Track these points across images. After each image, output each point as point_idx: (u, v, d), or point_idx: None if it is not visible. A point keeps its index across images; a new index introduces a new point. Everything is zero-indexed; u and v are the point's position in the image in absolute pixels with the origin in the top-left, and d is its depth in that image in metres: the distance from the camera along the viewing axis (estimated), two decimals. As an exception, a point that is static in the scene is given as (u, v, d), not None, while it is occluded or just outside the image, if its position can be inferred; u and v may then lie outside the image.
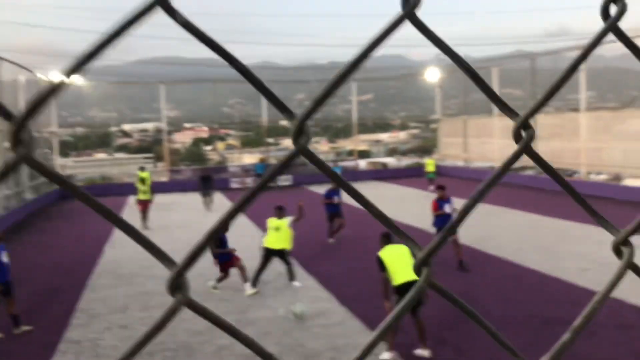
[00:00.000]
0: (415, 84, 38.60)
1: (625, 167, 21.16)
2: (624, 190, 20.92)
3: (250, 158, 42.18)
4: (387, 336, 7.43)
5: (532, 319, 8.84)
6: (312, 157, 0.56)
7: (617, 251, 0.67)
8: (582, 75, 23.40)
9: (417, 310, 7.57)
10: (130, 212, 22.60)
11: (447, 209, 11.91)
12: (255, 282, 10.85)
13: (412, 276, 7.38)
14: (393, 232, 0.62)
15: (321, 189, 28.01)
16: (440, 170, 29.14)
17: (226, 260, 10.92)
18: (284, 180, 30.66)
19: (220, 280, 10.94)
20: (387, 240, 8.08)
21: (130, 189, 29.09)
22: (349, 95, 35.51)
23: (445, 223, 11.08)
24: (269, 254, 11.12)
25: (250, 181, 30.38)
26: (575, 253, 12.74)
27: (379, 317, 8.79)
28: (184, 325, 9.09)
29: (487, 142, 29.38)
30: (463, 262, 11.60)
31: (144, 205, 19.27)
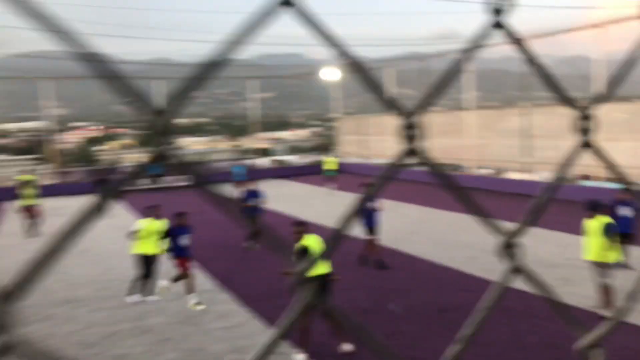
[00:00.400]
0: (316, 82, 39.08)
1: (507, 162, 22.76)
2: (505, 183, 22.51)
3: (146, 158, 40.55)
4: (300, 337, 7.36)
5: (428, 306, 9.26)
6: (173, 161, 0.52)
7: (502, 253, 0.69)
8: (469, 76, 24.83)
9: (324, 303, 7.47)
10: (13, 220, 20.97)
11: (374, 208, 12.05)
12: (144, 290, 10.29)
13: (325, 269, 7.47)
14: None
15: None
16: (341, 168, 29.59)
17: (183, 256, 9.96)
18: (182, 180, 29.79)
19: (176, 279, 10.10)
20: (304, 229, 7.86)
21: (11, 194, 26.99)
22: (249, 92, 35.25)
23: (372, 223, 10.92)
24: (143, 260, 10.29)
25: (147, 182, 29.25)
26: (463, 242, 13.52)
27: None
28: (75, 337, 8.59)
29: (384, 140, 30.40)
30: (380, 261, 11.74)
31: (31, 212, 17.92)
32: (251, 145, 38.72)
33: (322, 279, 7.48)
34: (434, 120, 26.52)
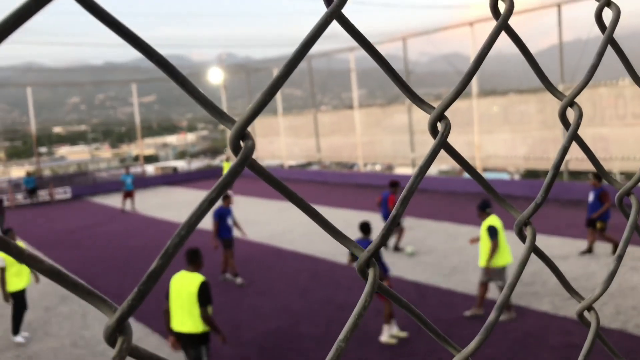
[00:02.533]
0: (199, 84, 38.22)
1: (395, 157, 23.72)
2: (395, 178, 23.43)
3: (19, 171, 37.52)
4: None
5: (328, 305, 9.36)
6: (255, 166, 0.43)
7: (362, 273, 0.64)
8: (352, 75, 25.54)
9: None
10: None
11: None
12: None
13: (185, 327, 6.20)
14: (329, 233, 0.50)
15: (105, 200, 26.20)
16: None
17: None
18: (62, 193, 27.86)
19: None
20: (195, 259, 6.33)
21: None
22: (129, 97, 33.72)
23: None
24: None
25: (21, 197, 26.95)
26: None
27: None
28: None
29: (274, 141, 30.44)
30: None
31: None
32: (136, 152, 37.08)
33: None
34: (324, 120, 27.00)
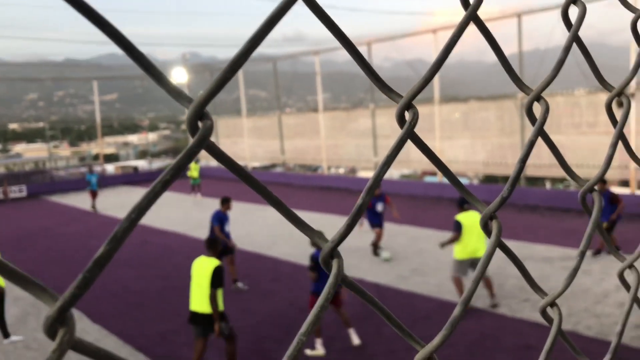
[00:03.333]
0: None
1: (359, 161, 23.86)
2: (358, 181, 23.56)
3: (-29, 168, 36.13)
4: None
5: (290, 307, 9.33)
6: (213, 150, 0.41)
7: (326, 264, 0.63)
8: (318, 78, 25.60)
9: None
10: None
11: (379, 207, 11.73)
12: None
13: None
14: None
15: (63, 199, 25.49)
16: (202, 172, 28.40)
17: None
18: (17, 191, 26.99)
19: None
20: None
21: None
22: (90, 95, 32.96)
23: (376, 220, 10.84)
24: None
25: (-28, 195, 25.98)
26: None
27: (138, 331, 8.31)
28: None
29: (238, 142, 30.22)
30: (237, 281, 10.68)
31: None
32: (96, 150, 36.26)
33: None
34: (288, 122, 26.95)
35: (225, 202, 10.24)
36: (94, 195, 21.23)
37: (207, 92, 0.37)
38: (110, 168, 34.97)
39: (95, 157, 36.12)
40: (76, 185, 28.47)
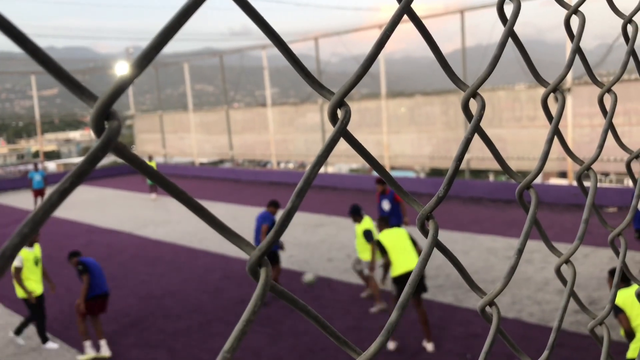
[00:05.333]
0: (105, 78, 36.54)
1: (308, 156, 23.86)
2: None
3: None
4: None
5: (241, 304, 9.25)
6: (123, 152, 0.37)
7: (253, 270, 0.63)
8: (265, 72, 25.41)
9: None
10: None
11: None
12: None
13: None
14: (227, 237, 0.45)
15: (3, 199, 24.35)
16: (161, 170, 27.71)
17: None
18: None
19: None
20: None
21: None
22: (28, 90, 31.59)
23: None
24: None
25: None
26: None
27: (77, 336, 8.02)
28: None
29: (185, 137, 29.67)
30: None
31: None
32: (35, 147, 34.83)
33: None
34: (236, 117, 26.66)
35: (273, 205, 9.64)
36: (39, 193, 20.29)
37: (112, 90, 0.34)
38: (52, 166, 33.69)
39: (35, 155, 34.68)
40: (15, 184, 27.27)
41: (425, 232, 0.55)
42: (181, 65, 31.21)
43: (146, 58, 0.34)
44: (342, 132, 0.45)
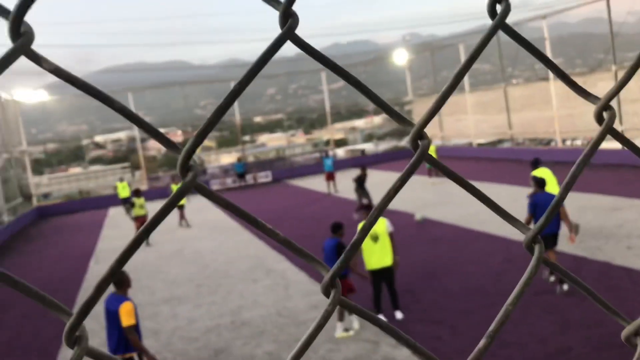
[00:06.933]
0: (384, 67, 38.64)
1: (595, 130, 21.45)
2: (599, 154, 21.23)
3: (227, 158, 41.86)
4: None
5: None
6: (203, 190, 0.56)
7: (529, 246, 0.70)
8: (546, 43, 23.62)
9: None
10: (112, 224, 22.31)
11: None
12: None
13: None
14: (299, 256, 0.60)
15: (302, 182, 28.03)
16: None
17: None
18: (264, 177, 30.56)
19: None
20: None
21: (109, 201, 28.74)
22: (319, 85, 35.44)
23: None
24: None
25: (230, 181, 30.20)
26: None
27: (14, 332, 8.69)
28: (178, 333, 9.02)
29: (462, 119, 29.58)
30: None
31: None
32: (327, 136, 38.95)
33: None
34: (515, 94, 25.47)
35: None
36: (329, 177, 22.68)
37: (191, 143, 0.48)
38: (340, 152, 37.28)
39: (327, 143, 38.81)
40: (311, 169, 31.07)
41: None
42: (457, 47, 31.11)
43: (228, 103, 0.43)
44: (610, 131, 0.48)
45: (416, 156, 0.54)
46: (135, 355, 6.12)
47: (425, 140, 0.56)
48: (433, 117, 0.57)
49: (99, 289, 0.49)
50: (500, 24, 0.61)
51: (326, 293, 0.58)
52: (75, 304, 11.54)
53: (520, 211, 14.01)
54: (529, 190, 10.03)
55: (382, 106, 0.63)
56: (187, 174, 0.52)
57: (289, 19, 0.56)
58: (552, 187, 9.77)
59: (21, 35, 0.43)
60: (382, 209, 0.57)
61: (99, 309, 6.43)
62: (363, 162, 32.68)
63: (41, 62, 0.46)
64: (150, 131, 0.53)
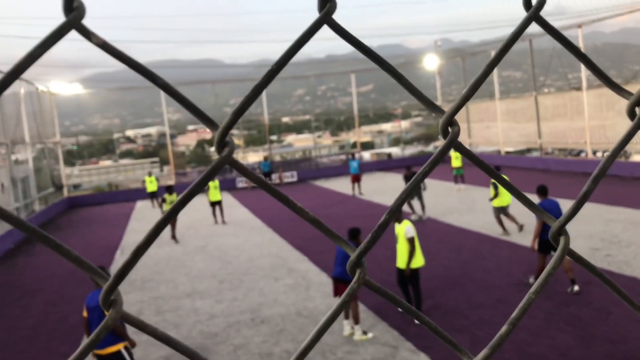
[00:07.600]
0: (414, 72, 38.42)
1: (632, 143, 21.02)
2: (631, 167, 20.80)
3: (254, 156, 42.19)
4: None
5: (547, 301, 8.80)
6: (237, 165, 0.60)
7: (555, 238, 0.71)
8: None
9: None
10: (139, 217, 22.67)
11: None
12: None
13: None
14: (327, 235, 0.63)
15: (327, 183, 28.07)
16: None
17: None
18: (289, 177, 30.70)
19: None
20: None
21: (137, 195, 29.22)
22: (348, 87, 35.45)
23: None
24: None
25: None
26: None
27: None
28: (199, 327, 9.12)
29: (491, 126, 29.25)
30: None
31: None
32: (354, 139, 38.93)
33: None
34: (546, 103, 25.10)
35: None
36: (354, 179, 22.61)
37: (228, 120, 0.50)
38: (366, 155, 37.23)
39: (353, 145, 38.80)
40: (337, 171, 31.09)
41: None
42: (488, 53, 30.80)
43: (256, 93, 0.44)
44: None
45: (447, 142, 0.56)
46: (127, 344, 6.53)
47: (456, 127, 0.58)
48: (464, 104, 0.59)
49: (135, 255, 0.52)
50: (534, 15, 0.62)
51: (352, 272, 0.60)
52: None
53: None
54: (558, 201, 9.97)
55: (414, 93, 0.65)
56: (223, 149, 0.55)
57: (327, 3, 0.58)
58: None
59: (74, 10, 0.46)
60: (409, 192, 0.59)
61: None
62: (390, 165, 32.62)
63: (90, 36, 0.48)
64: (191, 108, 0.56)
